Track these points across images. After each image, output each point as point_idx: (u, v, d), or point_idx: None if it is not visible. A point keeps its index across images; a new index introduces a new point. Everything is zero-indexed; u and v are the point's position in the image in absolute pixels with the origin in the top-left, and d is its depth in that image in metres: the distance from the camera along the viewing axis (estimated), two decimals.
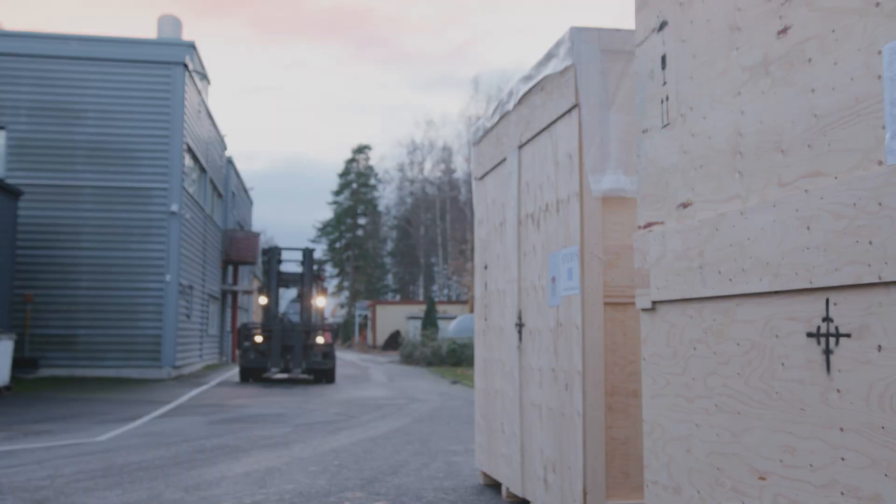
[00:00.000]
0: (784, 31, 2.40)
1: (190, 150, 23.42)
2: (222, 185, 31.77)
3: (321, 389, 18.02)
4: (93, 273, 20.82)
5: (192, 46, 25.86)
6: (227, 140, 32.55)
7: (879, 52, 2.01)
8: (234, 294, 34.11)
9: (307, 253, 21.82)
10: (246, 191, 42.56)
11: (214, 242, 29.36)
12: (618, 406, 4.32)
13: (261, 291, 22.17)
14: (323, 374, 20.25)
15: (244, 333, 20.14)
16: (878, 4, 2.03)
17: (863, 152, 2.07)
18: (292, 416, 12.33)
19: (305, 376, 21.20)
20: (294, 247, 22.82)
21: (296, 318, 22.42)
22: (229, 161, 33.87)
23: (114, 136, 21.25)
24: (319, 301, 23.09)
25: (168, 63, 21.78)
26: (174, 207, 21.18)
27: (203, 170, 26.59)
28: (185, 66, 21.87)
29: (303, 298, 21.65)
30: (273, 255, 21.67)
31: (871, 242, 1.99)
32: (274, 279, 21.47)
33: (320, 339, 20.23)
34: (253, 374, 20.12)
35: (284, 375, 21.26)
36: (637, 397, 4.30)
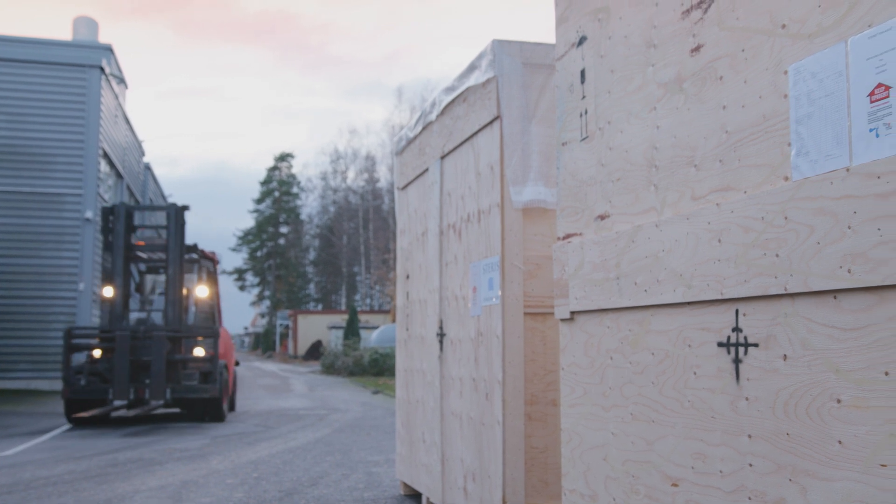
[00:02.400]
0: (697, 49, 2.47)
1: (106, 156, 22.83)
2: (140, 191, 31.05)
3: (238, 400, 17.68)
4: (1, 281, 20.08)
5: (108, 49, 25.24)
6: (146, 146, 31.85)
7: (785, 72, 2.08)
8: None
9: (174, 213, 13.31)
10: (164, 198, 41.69)
11: None
12: (537, 415, 4.37)
13: (106, 278, 13.51)
14: (203, 406, 13.04)
15: (71, 345, 12.76)
16: (784, 26, 2.10)
17: (770, 168, 2.14)
18: (210, 427, 12.09)
19: (175, 410, 14.98)
20: (155, 206, 16.57)
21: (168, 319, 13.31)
22: (147, 167, 33.13)
23: (25, 140, 20.57)
24: (200, 290, 15.12)
25: (83, 66, 21.20)
26: (88, 214, 20.59)
27: (119, 176, 25.94)
28: (102, 69, 21.33)
29: (169, 286, 13.18)
30: (119, 218, 13.08)
31: (777, 255, 2.06)
32: (120, 257, 13.06)
33: (199, 352, 13.09)
34: (88, 408, 13.20)
35: (136, 411, 14.79)
36: (556, 406, 4.35)
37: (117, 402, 13.85)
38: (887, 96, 1.76)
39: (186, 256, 14.45)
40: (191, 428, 12.04)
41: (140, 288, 15.23)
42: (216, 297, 15.83)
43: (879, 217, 1.75)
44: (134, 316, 13.98)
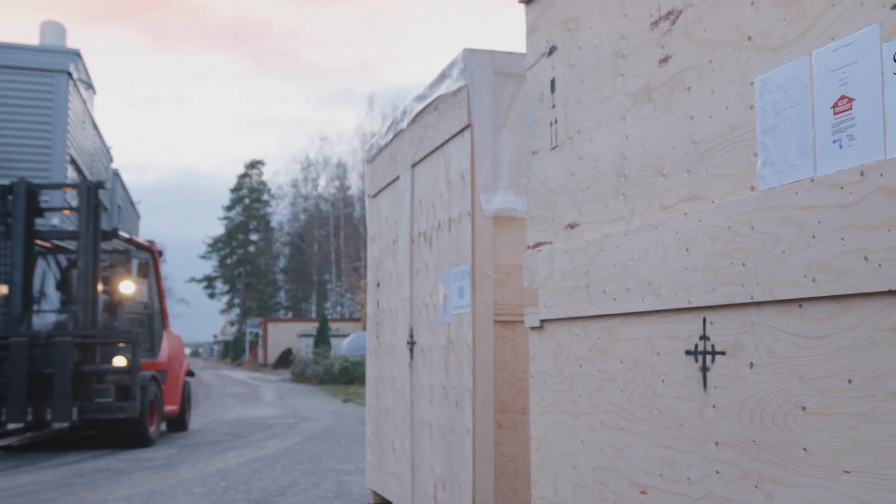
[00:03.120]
0: (665, 59, 2.50)
1: (73, 162, 22.58)
2: (107, 198, 30.74)
3: (207, 409, 17.52)
4: None
5: (76, 54, 24.99)
6: (114, 152, 31.56)
7: (752, 84, 2.11)
8: None
9: (87, 191, 10.87)
10: (133, 204, 41.31)
11: None
12: (507, 423, 4.37)
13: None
14: (122, 428, 10.65)
15: None
16: (750, 38, 2.13)
17: (737, 178, 2.17)
18: (178, 436, 11.97)
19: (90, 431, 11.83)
20: (62, 182, 13.99)
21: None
22: (116, 173, 32.82)
23: None
24: (126, 287, 11.90)
25: (51, 71, 20.97)
26: (55, 220, 20.35)
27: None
28: (69, 74, 21.12)
29: (80, 281, 10.74)
30: (19, 199, 10.63)
31: (744, 264, 2.08)
32: (20, 246, 10.58)
33: (120, 361, 10.56)
34: None
35: (30, 434, 12.12)
36: (526, 414, 4.36)
37: (11, 426, 11.02)
38: (850, 108, 1.79)
39: (115, 246, 12.16)
40: (159, 436, 11.91)
41: (64, 286, 12.13)
42: (158, 295, 12.97)
43: (843, 227, 1.78)
44: (51, 319, 11.31)
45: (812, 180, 1.87)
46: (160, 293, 13.12)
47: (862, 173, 1.73)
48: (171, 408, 12.26)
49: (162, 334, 12.61)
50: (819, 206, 1.85)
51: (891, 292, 1.67)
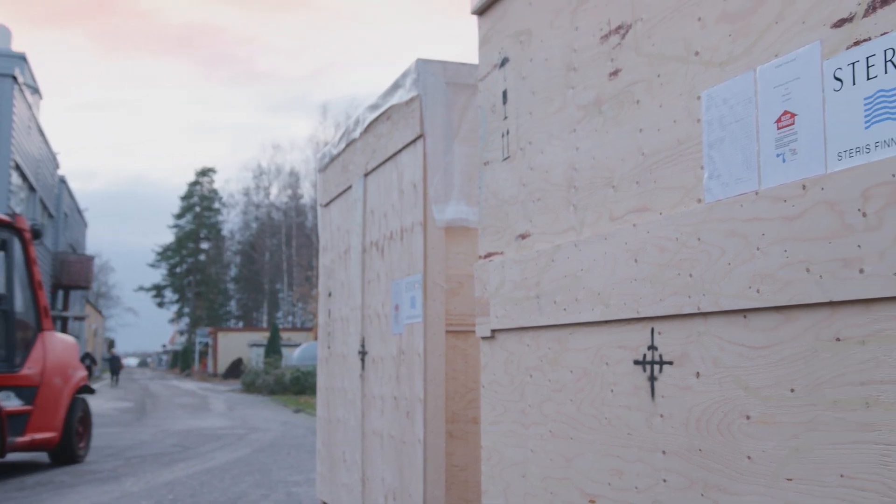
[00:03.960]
0: (615, 73, 2.53)
1: (18, 168, 22.10)
2: (53, 205, 30.14)
3: (155, 419, 17.23)
4: None
5: (22, 58, 24.51)
6: (60, 158, 31.02)
7: (699, 98, 2.15)
8: (65, 320, 32.33)
9: None
10: (80, 212, 40.56)
11: (43, 266, 27.74)
12: (458, 433, 4.38)
13: None
14: None
15: None
16: (697, 53, 2.17)
17: (685, 190, 2.20)
18: (124, 448, 11.75)
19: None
20: None
21: None
22: (62, 180, 32.22)
23: None
24: None
25: None
26: None
27: (32, 189, 25.15)
28: (14, 78, 20.69)
29: None
30: None
31: (691, 275, 2.12)
32: None
33: None
34: None
35: None
36: (477, 424, 4.37)
37: None
38: (793, 123, 1.83)
39: None
40: (104, 448, 11.68)
41: None
42: (32, 287, 10.05)
43: (786, 239, 1.81)
44: None
45: (756, 193, 1.91)
46: (34, 284, 10.03)
47: (804, 187, 1.77)
48: (46, 435, 9.58)
49: (35, 338, 9.79)
50: (763, 218, 1.88)
51: (831, 303, 1.71)
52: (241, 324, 70.98)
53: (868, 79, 1.66)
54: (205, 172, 74.56)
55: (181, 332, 74.93)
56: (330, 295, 6.37)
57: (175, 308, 75.45)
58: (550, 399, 2.80)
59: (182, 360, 64.60)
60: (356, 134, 5.60)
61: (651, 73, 2.36)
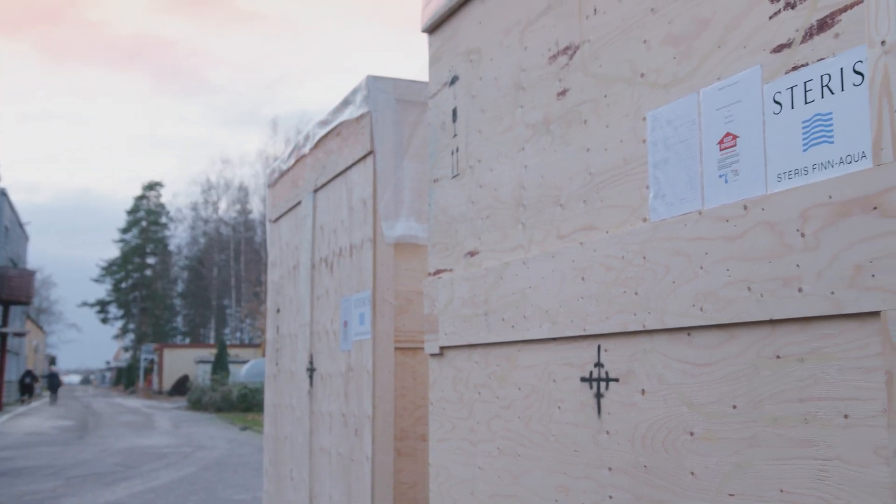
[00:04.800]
0: (563, 93, 2.56)
1: None
2: None
3: (97, 438, 16.87)
4: None
5: None
6: (2, 170, 30.29)
7: (644, 119, 2.19)
8: (4, 337, 31.52)
9: None
10: (21, 225, 39.69)
11: None
12: (406, 450, 4.36)
13: None
14: None
15: None
16: (642, 75, 2.21)
17: (630, 209, 2.24)
18: (64, 468, 11.46)
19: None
20: None
21: None
22: (2, 192, 31.51)
23: None
24: None
25: None
26: None
27: None
28: None
29: None
30: None
31: (636, 293, 2.14)
32: None
33: None
34: None
35: None
36: (425, 441, 4.35)
37: None
38: (735, 145, 1.87)
39: None
40: (43, 468, 11.39)
41: None
42: None
43: (728, 258, 1.85)
44: None
45: (700, 213, 1.95)
46: None
47: (745, 207, 1.81)
48: None
49: None
50: (706, 237, 1.92)
51: (772, 322, 1.75)
52: (187, 340, 69.89)
53: (806, 103, 1.70)
54: (152, 186, 73.53)
55: (126, 349, 73.56)
56: (278, 311, 6.31)
57: (120, 324, 74.08)
58: (498, 416, 2.81)
59: (126, 378, 63.38)
60: (306, 150, 5.58)
61: (598, 93, 2.39)
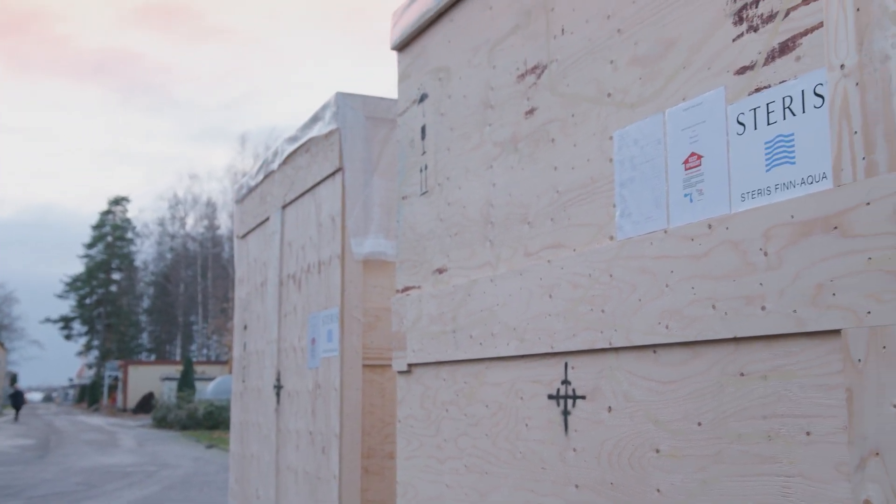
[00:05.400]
0: (531, 111, 2.58)
1: None
2: None
3: (58, 457, 16.60)
4: None
5: None
6: None
7: (611, 138, 2.21)
8: None
9: None
10: None
11: None
12: (374, 468, 4.33)
13: None
14: None
15: None
16: (609, 95, 2.24)
17: (597, 227, 2.25)
18: (24, 488, 11.26)
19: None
20: None
21: None
22: None
23: None
24: None
25: None
26: None
27: None
28: None
29: None
30: None
31: (603, 311, 2.16)
32: None
33: None
34: None
35: None
36: (393, 459, 4.33)
37: None
38: (699, 165, 1.90)
39: None
40: (3, 488, 11.18)
41: None
42: None
43: (693, 276, 1.87)
44: None
45: (665, 231, 1.97)
46: None
47: (710, 226, 1.83)
48: None
49: None
50: (671, 256, 1.94)
51: (736, 339, 1.77)
52: (153, 357, 69.06)
53: (768, 124, 1.73)
54: (118, 201, 72.81)
55: (90, 366, 72.49)
56: (246, 328, 6.27)
57: (84, 340, 73.05)
58: (466, 433, 2.81)
59: (90, 395, 62.40)
60: (274, 165, 5.56)
61: (566, 112, 2.41)
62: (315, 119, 4.79)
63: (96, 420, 40.11)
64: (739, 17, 1.83)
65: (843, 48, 1.57)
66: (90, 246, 72.09)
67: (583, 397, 2.25)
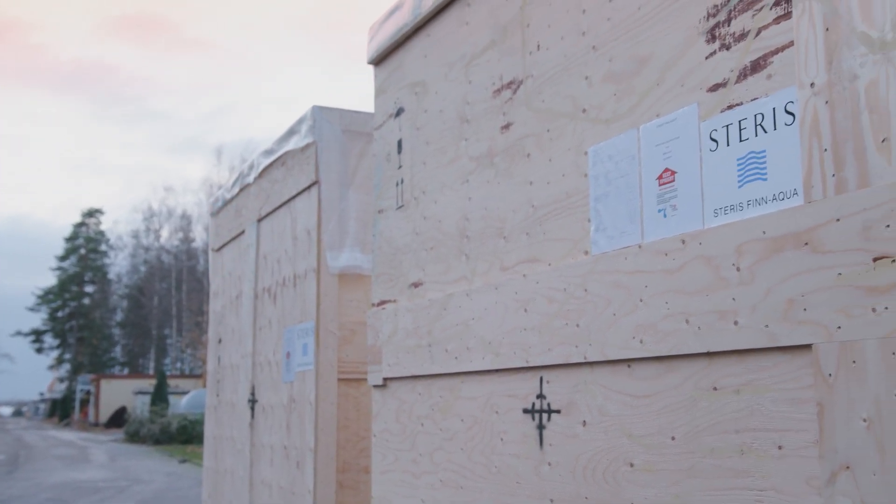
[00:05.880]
0: (507, 126, 2.60)
1: None
2: None
3: (28, 472, 16.36)
4: None
5: None
6: None
7: (586, 153, 2.23)
8: None
9: None
10: None
11: None
12: (349, 483, 4.31)
13: None
14: None
15: None
16: (584, 111, 2.25)
17: (572, 242, 2.27)
18: None
19: None
20: None
21: None
22: None
23: None
24: None
25: None
26: None
27: None
28: None
29: None
30: None
31: (578, 325, 2.17)
32: None
33: None
34: None
35: None
36: (368, 473, 4.31)
37: None
38: (673, 181, 1.92)
39: None
40: None
41: None
42: None
43: (667, 291, 1.88)
44: None
45: (640, 247, 1.98)
46: None
47: (683, 241, 1.85)
48: None
49: None
50: (646, 271, 1.95)
51: (709, 354, 1.78)
52: (126, 370, 68.32)
53: (740, 140, 1.75)
54: (92, 213, 72.15)
55: (61, 380, 71.58)
56: (220, 341, 6.22)
57: (55, 354, 72.16)
58: (441, 448, 2.80)
59: (61, 409, 61.60)
60: (250, 179, 5.54)
61: (541, 127, 2.43)
62: (291, 132, 4.78)
63: (67, 435, 39.60)
64: (712, 36, 1.85)
65: (813, 67, 1.60)
66: (63, 258, 71.34)
67: (558, 411, 2.25)
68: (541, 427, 2.32)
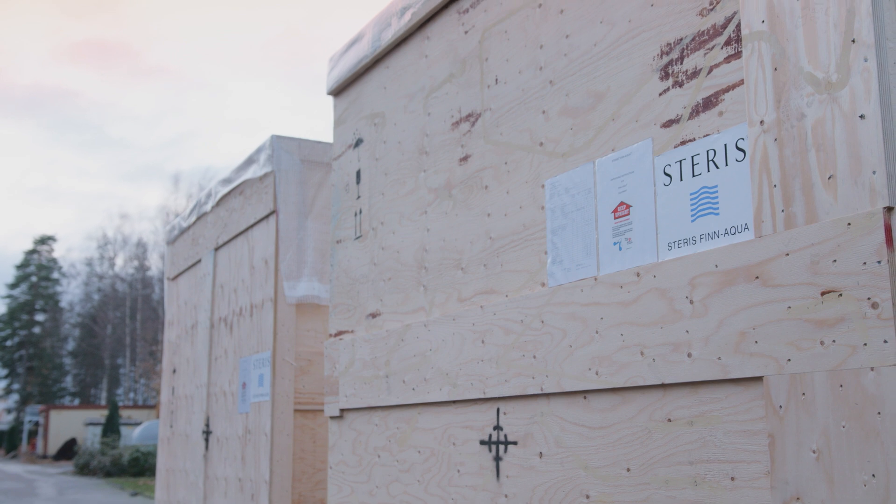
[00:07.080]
0: (465, 158, 2.62)
1: None
2: None
3: None
4: None
5: None
6: None
7: (543, 186, 2.25)
8: None
9: None
10: None
11: None
12: None
13: None
14: None
15: None
16: (541, 144, 2.28)
17: (529, 274, 2.28)
18: None
19: None
20: None
21: None
22: None
23: None
24: None
25: None
26: None
27: None
28: None
29: None
30: None
31: (535, 356, 2.18)
32: None
33: None
34: None
35: None
36: None
37: None
38: (628, 214, 1.95)
39: None
40: None
41: None
42: None
43: (622, 323, 1.90)
44: None
45: (595, 279, 2.00)
46: None
47: (638, 274, 1.87)
48: None
49: None
50: (601, 303, 1.97)
51: (663, 386, 1.80)
52: (77, 401, 66.93)
53: (693, 175, 1.79)
54: (44, 240, 70.94)
55: (8, 410, 69.88)
56: (175, 371, 6.13)
57: (3, 384, 70.48)
58: (398, 480, 2.78)
59: (8, 441, 60.06)
60: (207, 207, 5.50)
61: (499, 160, 2.45)
62: (250, 161, 4.77)
63: (14, 467, 38.58)
64: (665, 73, 1.89)
65: (762, 105, 1.64)
66: (13, 286, 69.92)
67: (514, 443, 2.25)
68: (497, 458, 2.32)
